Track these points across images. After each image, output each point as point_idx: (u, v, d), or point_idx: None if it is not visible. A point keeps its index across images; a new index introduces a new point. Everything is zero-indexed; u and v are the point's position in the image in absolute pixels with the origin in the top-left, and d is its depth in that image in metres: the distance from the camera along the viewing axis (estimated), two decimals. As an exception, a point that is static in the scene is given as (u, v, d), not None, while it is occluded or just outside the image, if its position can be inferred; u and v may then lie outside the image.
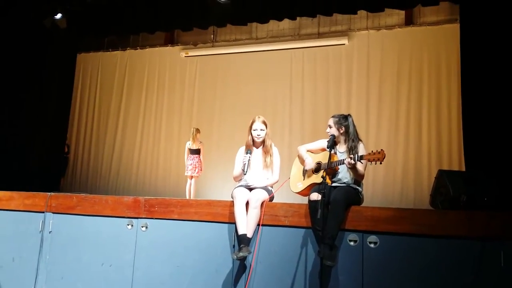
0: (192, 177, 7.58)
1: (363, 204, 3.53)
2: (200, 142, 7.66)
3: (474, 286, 2.92)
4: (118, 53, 9.75)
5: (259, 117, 3.92)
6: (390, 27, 8.00)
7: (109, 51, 9.81)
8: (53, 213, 4.21)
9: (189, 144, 7.60)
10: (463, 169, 6.82)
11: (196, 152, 7.59)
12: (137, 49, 9.62)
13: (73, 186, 9.30)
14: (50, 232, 4.16)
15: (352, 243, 3.24)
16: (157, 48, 9.49)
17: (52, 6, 7.84)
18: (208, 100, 8.95)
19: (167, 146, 9.06)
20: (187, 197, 7.40)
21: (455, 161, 7.17)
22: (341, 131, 3.58)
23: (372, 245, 3.19)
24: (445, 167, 7.26)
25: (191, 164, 7.53)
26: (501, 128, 6.11)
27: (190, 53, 9.14)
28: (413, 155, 7.49)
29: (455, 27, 7.10)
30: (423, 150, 7.45)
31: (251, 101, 8.58)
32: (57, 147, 9.35)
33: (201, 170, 7.60)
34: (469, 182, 3.15)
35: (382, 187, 7.47)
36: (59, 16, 7.95)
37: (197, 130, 7.68)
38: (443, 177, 3.25)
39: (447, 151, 7.32)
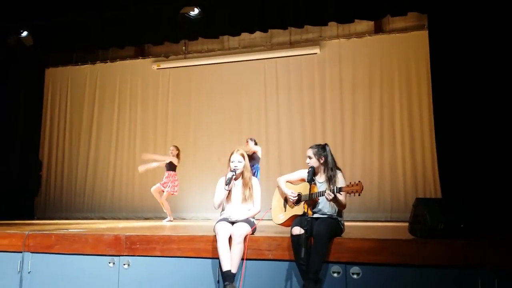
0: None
1: (345, 233, 3.58)
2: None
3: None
4: (87, 67, 9.58)
5: (238, 150, 3.92)
6: (360, 35, 8.13)
7: (78, 65, 9.65)
8: (32, 252, 4.10)
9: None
10: (437, 176, 7.04)
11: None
12: (107, 62, 9.49)
13: (47, 205, 9.14)
14: (29, 273, 4.06)
15: (335, 274, 3.29)
16: (127, 61, 9.38)
17: (18, 24, 7.63)
18: (182, 112, 8.90)
19: (142, 161, 8.94)
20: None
21: (429, 166, 7.37)
22: (321, 161, 3.61)
23: (355, 276, 3.25)
24: (419, 171, 7.47)
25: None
26: (473, 130, 6.29)
27: (162, 65, 9.07)
28: (388, 161, 7.67)
29: (424, 34, 7.29)
30: (397, 155, 7.64)
31: (226, 112, 8.60)
32: (29, 165, 9.14)
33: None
34: (446, 210, 3.23)
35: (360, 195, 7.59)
36: (25, 34, 7.75)
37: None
38: (421, 205, 3.32)
39: (420, 155, 7.52)
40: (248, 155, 6.86)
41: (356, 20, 7.22)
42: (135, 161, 8.97)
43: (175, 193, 7.14)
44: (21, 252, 4.10)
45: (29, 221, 7.11)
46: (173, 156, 7.12)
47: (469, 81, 6.39)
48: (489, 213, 4.54)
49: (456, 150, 6.54)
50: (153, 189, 7.12)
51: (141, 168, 7.30)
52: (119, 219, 8.15)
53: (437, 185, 6.79)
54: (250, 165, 6.68)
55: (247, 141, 7.10)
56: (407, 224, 3.65)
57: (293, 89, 8.34)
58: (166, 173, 7.15)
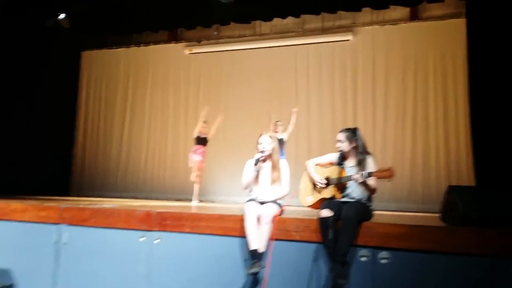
0: None
1: (374, 219, 3.56)
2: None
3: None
4: (122, 50, 9.75)
5: (266, 132, 3.94)
6: (394, 22, 7.97)
7: (112, 48, 9.82)
8: (67, 225, 4.26)
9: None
10: (472, 166, 6.88)
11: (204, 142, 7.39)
12: (141, 46, 9.62)
13: (82, 184, 9.41)
14: (64, 244, 4.22)
15: (363, 258, 3.29)
16: (160, 45, 9.49)
17: (55, 6, 7.83)
18: (213, 97, 8.97)
19: (174, 143, 9.13)
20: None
21: (463, 157, 7.19)
22: (352, 146, 3.59)
23: (383, 261, 3.23)
24: (453, 162, 7.30)
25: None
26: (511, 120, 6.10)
27: (194, 50, 9.13)
28: (420, 150, 7.53)
29: (461, 22, 7.08)
30: (430, 145, 7.48)
31: (256, 97, 8.61)
32: (65, 146, 9.46)
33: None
34: (480, 199, 3.17)
35: (390, 184, 7.45)
36: (62, 16, 7.96)
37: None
38: (453, 193, 3.27)
39: (455, 146, 7.34)
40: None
41: (391, 6, 7.09)
42: (167, 143, 9.16)
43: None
44: (57, 224, 4.28)
45: (65, 198, 7.36)
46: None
47: (508, 70, 6.20)
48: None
49: (492, 141, 6.37)
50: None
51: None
52: (151, 199, 8.33)
53: (471, 177, 6.62)
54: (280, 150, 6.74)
55: (275, 125, 7.13)
56: (438, 214, 3.61)
57: (324, 76, 8.27)
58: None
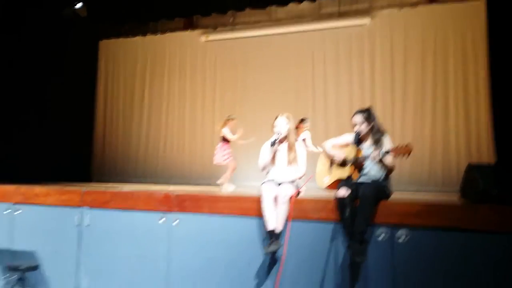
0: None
1: (391, 199, 3.55)
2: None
3: (506, 280, 2.94)
4: (138, 39, 9.82)
5: (282, 114, 3.94)
6: (413, 5, 7.84)
7: (129, 37, 9.89)
8: (89, 207, 4.36)
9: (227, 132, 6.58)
10: (492, 148, 6.78)
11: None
12: (157, 34, 9.67)
13: (103, 171, 9.58)
14: (87, 226, 4.33)
15: (381, 237, 3.28)
16: (177, 33, 9.52)
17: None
18: (230, 84, 8.99)
19: (191, 130, 9.20)
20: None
21: (483, 139, 7.08)
22: (369, 127, 3.57)
23: (401, 240, 3.23)
24: (474, 146, 7.20)
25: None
26: None
27: (210, 37, 9.14)
28: (440, 134, 7.44)
29: (480, 4, 6.96)
30: (450, 129, 7.39)
31: (273, 83, 8.60)
32: (85, 134, 9.63)
33: None
34: (500, 176, 3.13)
35: (409, 166, 7.41)
36: (79, 5, 8.07)
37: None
38: (473, 171, 3.23)
39: (475, 130, 7.23)
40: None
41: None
42: (185, 130, 9.25)
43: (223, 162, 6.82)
44: (79, 207, 4.38)
45: (86, 184, 7.50)
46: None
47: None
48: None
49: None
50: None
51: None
52: (170, 184, 8.43)
53: (492, 159, 6.53)
54: None
55: (301, 122, 6.70)
56: (458, 192, 3.58)
57: (341, 61, 8.19)
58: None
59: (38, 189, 4.64)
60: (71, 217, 4.39)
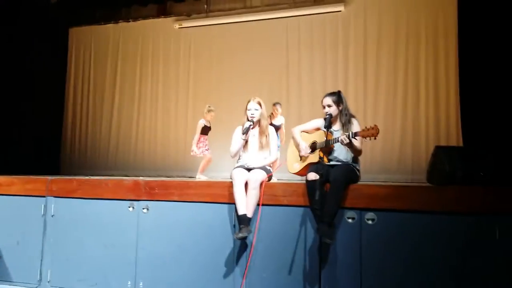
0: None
1: (361, 181, 3.55)
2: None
3: (470, 259, 2.98)
4: (110, 26, 9.57)
5: (254, 98, 3.90)
6: (386, -10, 7.82)
7: (101, 24, 9.63)
8: (55, 197, 4.24)
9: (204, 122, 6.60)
10: (461, 136, 6.90)
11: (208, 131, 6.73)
12: (130, 21, 9.45)
13: (72, 163, 9.34)
14: (52, 216, 4.21)
15: (350, 220, 3.29)
16: (150, 20, 9.32)
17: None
18: (204, 72, 8.87)
19: (164, 120, 9.05)
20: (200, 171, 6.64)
21: (453, 128, 7.19)
22: (340, 108, 3.56)
23: (370, 222, 3.24)
24: (443, 134, 7.29)
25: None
26: (500, 95, 6.16)
27: (184, 25, 8.98)
28: (411, 121, 7.51)
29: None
30: (421, 116, 7.46)
31: (248, 71, 8.52)
32: (54, 125, 9.36)
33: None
34: (466, 158, 3.16)
35: (380, 154, 7.50)
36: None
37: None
38: (439, 153, 3.25)
39: (445, 117, 7.32)
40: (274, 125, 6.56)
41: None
42: (157, 120, 9.07)
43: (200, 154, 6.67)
44: (44, 196, 4.25)
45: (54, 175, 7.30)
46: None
47: (497, 35, 6.21)
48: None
49: (481, 110, 6.40)
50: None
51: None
52: (142, 176, 8.29)
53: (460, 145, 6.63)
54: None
55: (275, 106, 6.67)
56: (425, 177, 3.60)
57: (316, 48, 8.16)
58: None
59: (1, 178, 4.48)
60: (36, 207, 4.26)
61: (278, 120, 6.75)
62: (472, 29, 6.64)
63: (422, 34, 7.51)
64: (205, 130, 6.62)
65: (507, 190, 2.97)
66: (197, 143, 6.52)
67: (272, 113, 6.68)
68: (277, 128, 6.51)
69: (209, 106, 6.71)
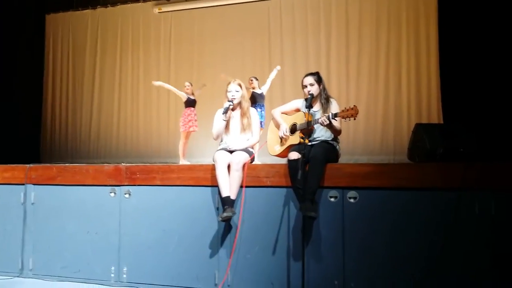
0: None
1: (342, 158, 3.57)
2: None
3: (451, 234, 3.03)
4: (88, 12, 9.40)
5: (234, 80, 3.86)
6: (368, -28, 7.80)
7: (78, 10, 9.45)
8: (34, 184, 4.16)
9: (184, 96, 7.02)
10: (442, 118, 6.99)
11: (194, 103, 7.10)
12: (108, 6, 9.28)
13: (53, 152, 9.21)
14: (32, 204, 4.14)
15: (332, 199, 3.30)
16: (128, 5, 9.18)
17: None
18: (185, 56, 8.79)
19: (146, 106, 8.96)
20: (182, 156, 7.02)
21: (434, 109, 7.29)
22: (321, 88, 3.56)
23: (352, 200, 3.26)
24: (424, 115, 7.39)
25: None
26: (479, 75, 6.25)
27: (164, 9, 8.86)
28: (392, 103, 7.59)
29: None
30: (402, 98, 7.54)
31: (229, 55, 8.47)
32: (33, 113, 9.17)
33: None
34: (446, 135, 3.19)
35: (363, 136, 7.58)
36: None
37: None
38: (420, 130, 3.28)
39: (426, 98, 7.41)
40: (256, 93, 6.77)
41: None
42: (139, 106, 8.97)
43: (188, 129, 6.93)
44: (23, 184, 4.17)
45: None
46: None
47: (475, 19, 6.29)
48: (491, 141, 4.50)
49: (461, 91, 6.49)
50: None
51: (156, 83, 7.15)
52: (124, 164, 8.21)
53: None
54: (255, 106, 6.62)
55: (251, 80, 6.95)
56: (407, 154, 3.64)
57: (297, 31, 8.15)
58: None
59: (-22, 167, 4.38)
60: (15, 195, 4.18)
61: (258, 91, 6.91)
62: (451, 13, 6.71)
63: (403, 18, 7.56)
64: (189, 103, 6.69)
65: (487, 166, 3.01)
66: (182, 118, 6.81)
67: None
68: (259, 97, 6.61)
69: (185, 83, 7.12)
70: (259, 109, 6.63)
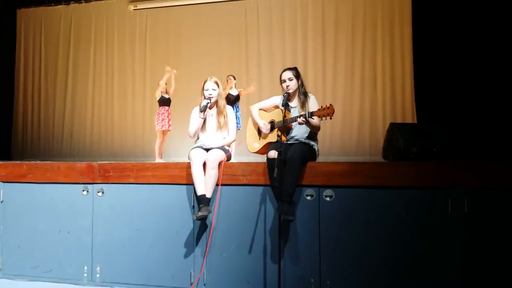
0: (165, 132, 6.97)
1: (319, 159, 3.59)
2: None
3: (424, 232, 3.09)
4: (61, 7, 9.18)
5: (211, 78, 3.83)
6: (344, -25, 7.90)
7: (51, 5, 9.21)
8: (3, 182, 4.03)
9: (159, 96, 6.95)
10: (416, 116, 7.14)
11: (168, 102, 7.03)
12: (81, 2, 9.09)
13: (24, 151, 8.95)
14: (1, 202, 4.01)
15: (309, 197, 3.32)
16: (103, 1, 9.00)
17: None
18: (161, 55, 8.69)
19: (120, 104, 8.81)
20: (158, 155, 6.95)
21: (409, 110, 7.42)
22: (299, 83, 3.57)
23: (328, 199, 3.28)
24: (399, 116, 7.51)
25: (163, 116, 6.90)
26: (451, 77, 6.43)
27: (139, 6, 8.73)
28: (368, 105, 7.68)
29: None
30: (378, 100, 7.65)
31: (206, 54, 8.41)
32: (3, 111, 8.90)
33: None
34: (419, 134, 3.25)
35: (339, 137, 7.65)
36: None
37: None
38: (394, 130, 3.33)
39: (401, 100, 7.54)
40: (231, 95, 6.75)
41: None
42: (113, 104, 8.82)
43: (162, 128, 6.85)
44: (-9, 182, 4.04)
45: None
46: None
47: (448, 22, 6.47)
48: (463, 140, 4.62)
49: (435, 93, 6.64)
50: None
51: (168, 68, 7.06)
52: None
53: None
54: (234, 106, 6.61)
55: (229, 79, 6.90)
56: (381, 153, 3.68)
57: (274, 32, 8.17)
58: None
59: None
60: (-17, 194, 4.04)
61: (234, 92, 6.88)
62: (425, 16, 6.88)
63: (378, 20, 7.67)
64: (163, 102, 6.70)
65: (459, 165, 3.07)
66: (156, 117, 6.80)
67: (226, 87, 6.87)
68: (235, 98, 6.60)
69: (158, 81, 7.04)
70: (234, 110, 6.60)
